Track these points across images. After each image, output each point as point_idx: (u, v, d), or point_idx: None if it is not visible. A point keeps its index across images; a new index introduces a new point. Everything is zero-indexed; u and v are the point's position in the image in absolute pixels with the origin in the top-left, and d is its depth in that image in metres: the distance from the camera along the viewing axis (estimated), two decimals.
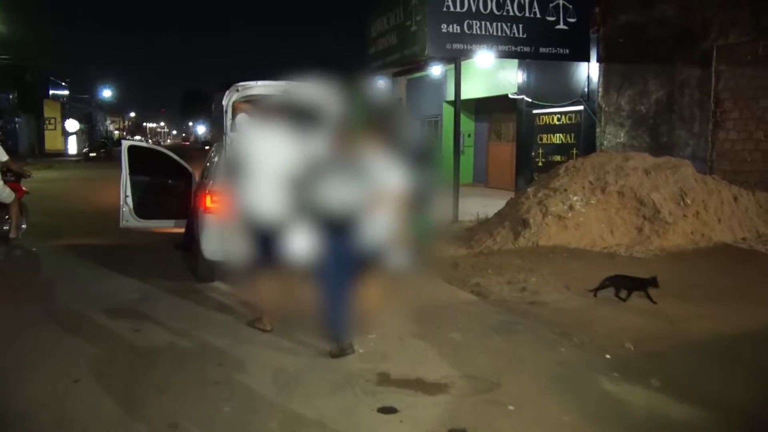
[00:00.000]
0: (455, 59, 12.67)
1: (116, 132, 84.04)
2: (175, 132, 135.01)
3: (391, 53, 13.70)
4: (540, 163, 15.65)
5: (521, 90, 16.01)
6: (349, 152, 4.82)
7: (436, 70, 18.54)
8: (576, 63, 13.94)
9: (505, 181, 19.03)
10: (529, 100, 15.66)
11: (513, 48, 12.45)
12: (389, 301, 5.86)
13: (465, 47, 12.01)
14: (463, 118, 21.55)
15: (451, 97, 19.97)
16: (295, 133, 5.50)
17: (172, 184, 8.62)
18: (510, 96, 16.18)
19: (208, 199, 6.29)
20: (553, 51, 12.80)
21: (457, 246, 9.25)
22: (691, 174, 9.36)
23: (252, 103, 6.36)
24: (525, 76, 15.89)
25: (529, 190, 9.46)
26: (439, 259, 8.71)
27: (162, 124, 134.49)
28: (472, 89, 17.65)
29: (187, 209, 8.45)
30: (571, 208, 8.84)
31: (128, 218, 8.28)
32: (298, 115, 6.15)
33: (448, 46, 11.89)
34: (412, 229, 8.56)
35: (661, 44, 11.77)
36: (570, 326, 5.75)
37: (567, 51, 12.93)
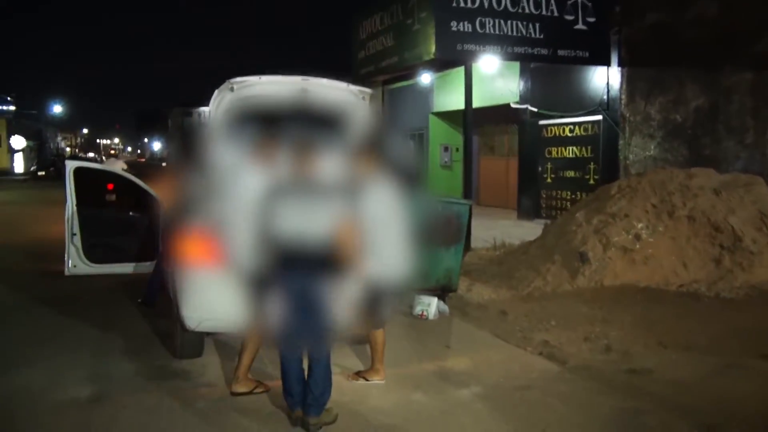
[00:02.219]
0: (465, 63, 10.96)
1: (68, 149, 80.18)
2: (129, 149, 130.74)
3: (387, 57, 11.93)
4: (549, 180, 14.05)
5: (524, 99, 14.42)
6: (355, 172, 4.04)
7: (425, 78, 16.88)
8: (591, 68, 12.43)
9: (500, 198, 17.45)
10: (535, 110, 14.05)
11: (530, 50, 10.88)
12: (441, 371, 4.74)
13: (477, 48, 10.34)
14: (449, 130, 20.21)
15: (439, 108, 18.42)
16: (313, 150, 3.99)
17: (133, 216, 6.65)
18: (512, 106, 14.56)
19: (190, 244, 4.37)
20: (572, 54, 11.28)
21: (494, 286, 7.47)
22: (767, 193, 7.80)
23: (253, 107, 4.47)
24: (528, 83, 14.31)
25: (578, 215, 7.75)
26: (478, 305, 6.94)
27: (116, 140, 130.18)
28: (462, 99, 15.97)
29: (152, 248, 6.50)
30: (637, 237, 7.17)
31: (76, 262, 6.29)
32: (319, 126, 4.38)
33: (459, 47, 10.22)
34: (432, 266, 6.89)
35: (700, 47, 10.28)
36: (711, 411, 4.18)
37: (587, 54, 11.42)
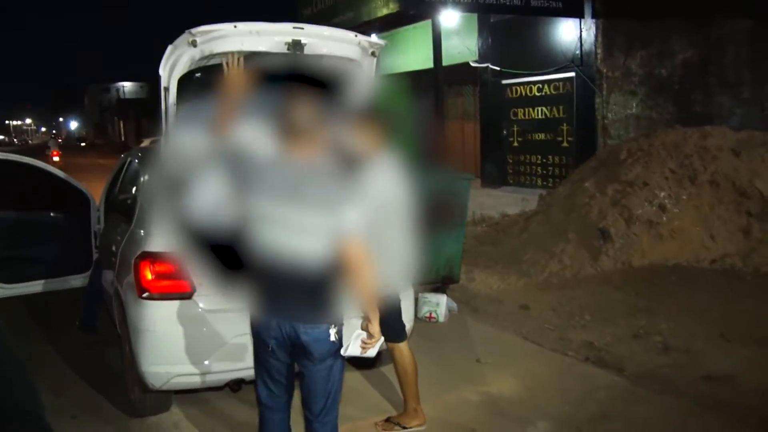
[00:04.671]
0: (430, 16, 9.71)
1: None
2: (44, 129, 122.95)
3: (339, 13, 10.55)
4: (515, 143, 13.09)
5: (484, 57, 13.31)
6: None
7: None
8: (558, 22, 11.41)
9: (457, 165, 16.42)
10: (497, 68, 12.97)
11: (501, 0, 9.70)
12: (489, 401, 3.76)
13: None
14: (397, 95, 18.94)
15: (384, 70, 17.09)
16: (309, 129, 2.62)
17: (56, 218, 5.17)
18: (471, 65, 13.43)
19: (145, 270, 3.05)
20: (545, 4, 10.22)
21: (499, 272, 6.40)
22: None
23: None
24: (488, 40, 13.19)
25: (587, 184, 6.75)
26: (488, 298, 5.87)
27: (29, 121, 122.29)
28: (410, 60, 14.78)
29: (84, 258, 5.09)
30: (662, 209, 6.22)
31: None
32: (317, 95, 3.13)
33: None
34: (432, 254, 5.80)
35: None
36: None
37: (560, 5, 10.37)
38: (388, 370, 4.13)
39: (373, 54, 3.58)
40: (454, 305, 5.53)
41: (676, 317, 5.03)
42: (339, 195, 2.37)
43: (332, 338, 2.44)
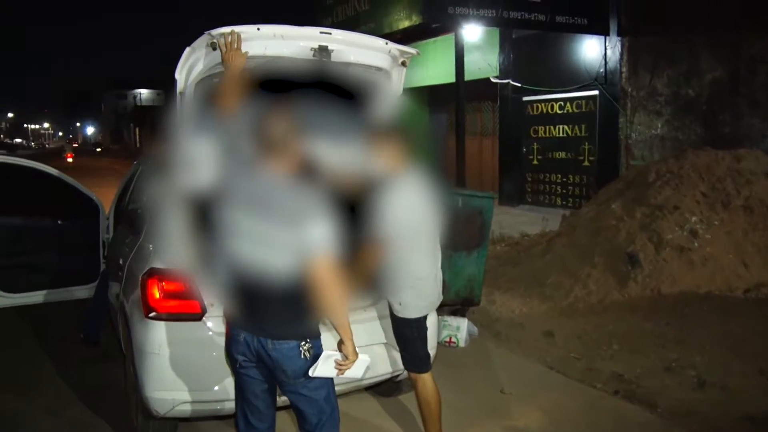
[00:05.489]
0: (453, 29, 9.52)
1: None
2: (61, 133, 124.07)
3: (360, 24, 10.38)
4: (535, 162, 12.83)
5: (505, 73, 13.09)
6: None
7: None
8: (583, 39, 11.18)
9: (473, 182, 16.17)
10: (518, 85, 12.75)
11: (526, 15, 9.52)
12: None
13: (470, 12, 8.92)
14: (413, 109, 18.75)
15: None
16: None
17: (63, 226, 4.98)
18: (492, 80, 13.21)
19: (153, 288, 2.84)
20: (571, 21, 10.00)
21: (521, 295, 6.14)
22: None
23: (247, 74, 2.93)
24: (510, 55, 12.98)
25: (614, 206, 6.48)
26: (510, 322, 5.62)
27: (46, 125, 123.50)
28: (429, 75, 14.56)
29: (91, 267, 4.90)
30: (693, 234, 5.94)
31: None
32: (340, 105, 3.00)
33: (450, 10, 8.75)
34: (451, 275, 5.59)
35: (716, 10, 9.12)
36: None
37: (585, 21, 10.16)
38: (407, 398, 3.89)
39: (403, 64, 3.37)
40: (475, 329, 5.28)
41: (709, 350, 4.74)
42: (306, 211, 2.28)
43: (302, 355, 2.33)
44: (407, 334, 3.14)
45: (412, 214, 2.94)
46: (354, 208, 2.91)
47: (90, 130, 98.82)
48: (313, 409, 2.41)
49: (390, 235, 2.86)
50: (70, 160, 35.54)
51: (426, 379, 3.18)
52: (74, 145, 66.41)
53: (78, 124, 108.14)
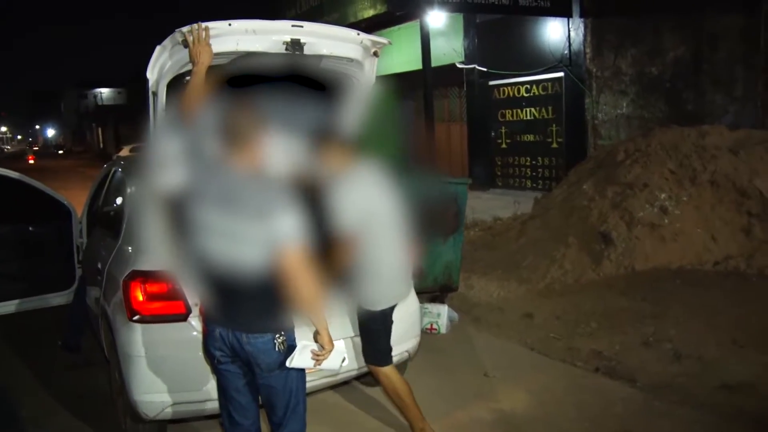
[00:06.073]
0: (418, 16, 9.51)
1: None
2: (20, 137, 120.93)
3: (324, 14, 10.33)
4: (504, 145, 12.95)
5: (471, 58, 13.14)
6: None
7: None
8: (546, 21, 11.29)
9: (444, 167, 16.23)
10: (484, 69, 12.82)
11: (489, 0, 9.54)
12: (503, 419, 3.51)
13: None
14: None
15: None
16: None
17: (33, 232, 4.88)
18: (458, 66, 13.26)
19: (136, 291, 2.81)
20: (534, 4, 10.11)
21: (498, 278, 6.22)
22: None
23: (220, 72, 2.90)
24: (474, 41, 13.03)
25: (585, 186, 6.59)
26: (488, 306, 5.69)
27: (3, 129, 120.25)
28: (395, 62, 14.53)
29: (66, 273, 4.82)
30: (663, 210, 6.07)
31: None
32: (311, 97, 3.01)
33: None
34: (428, 262, 5.65)
35: None
36: None
37: (548, 4, 10.26)
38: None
39: (375, 54, 3.38)
40: (455, 315, 5.34)
41: (684, 323, 4.86)
42: (272, 204, 2.28)
43: (277, 348, 2.35)
44: (371, 326, 3.15)
45: (366, 208, 2.95)
46: (313, 206, 2.91)
47: (51, 132, 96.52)
48: (282, 401, 2.43)
49: (349, 231, 2.87)
50: (31, 161, 37.28)
51: (388, 372, 3.21)
52: (35, 148, 65.83)
53: (38, 127, 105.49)
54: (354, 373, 3.41)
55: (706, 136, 6.84)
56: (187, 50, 2.82)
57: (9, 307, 4.72)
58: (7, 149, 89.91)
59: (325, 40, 3.11)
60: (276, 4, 11.81)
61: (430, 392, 3.84)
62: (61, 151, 63.67)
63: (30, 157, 42.29)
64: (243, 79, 3.08)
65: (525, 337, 4.95)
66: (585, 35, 10.68)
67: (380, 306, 3.12)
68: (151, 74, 2.96)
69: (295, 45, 2.99)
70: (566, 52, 11.01)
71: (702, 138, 6.81)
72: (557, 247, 6.17)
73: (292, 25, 3.03)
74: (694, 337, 4.63)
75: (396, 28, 13.62)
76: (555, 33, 11.20)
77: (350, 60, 3.30)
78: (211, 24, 2.82)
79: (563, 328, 5.00)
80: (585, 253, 6.00)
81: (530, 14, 10.49)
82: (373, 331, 3.16)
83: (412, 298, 3.70)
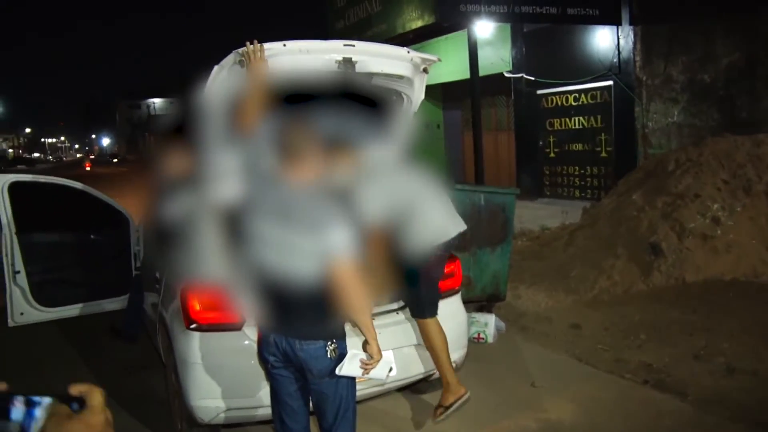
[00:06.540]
0: (466, 26, 9.54)
1: (10, 150, 76.28)
2: (77, 146, 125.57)
3: (372, 26, 10.46)
4: (552, 154, 12.83)
5: (518, 67, 13.07)
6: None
7: None
8: (594, 30, 11.16)
9: (490, 178, 16.16)
10: (531, 78, 12.74)
11: (538, 9, 9.55)
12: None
13: (482, 9, 8.95)
14: (427, 106, 18.79)
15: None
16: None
17: (95, 240, 5.11)
18: (506, 75, 13.21)
19: (193, 300, 2.93)
20: (582, 12, 9.99)
21: (546, 288, 6.19)
22: None
23: (275, 89, 3.01)
24: (522, 49, 12.97)
25: (635, 197, 6.51)
26: (536, 316, 5.67)
27: (62, 138, 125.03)
28: (443, 72, 14.55)
29: (123, 280, 5.02)
30: (715, 221, 5.95)
31: (23, 308, 4.74)
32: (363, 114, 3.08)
33: (462, 8, 8.80)
34: (476, 272, 5.68)
35: None
36: None
37: (597, 12, 10.14)
38: (431, 398, 3.97)
39: (425, 71, 3.45)
40: (502, 325, 5.34)
41: (737, 336, 4.76)
42: (325, 218, 2.37)
43: (329, 355, 2.42)
44: (423, 278, 3.36)
45: (391, 196, 3.08)
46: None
47: (106, 141, 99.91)
48: (332, 407, 2.50)
49: (382, 221, 2.99)
50: (88, 168, 41.48)
51: (430, 324, 3.45)
52: (91, 156, 69.88)
53: (93, 136, 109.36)
54: (402, 382, 3.47)
55: (761, 144, 6.69)
56: (244, 69, 2.94)
57: (72, 311, 4.94)
58: (65, 158, 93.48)
59: (376, 58, 3.20)
60: (325, 17, 12.01)
61: (477, 401, 3.86)
62: (115, 160, 65.89)
63: (87, 165, 46.20)
64: (297, 97, 3.18)
65: (572, 347, 4.92)
66: (634, 43, 10.54)
67: (425, 256, 3.30)
68: (209, 93, 3.09)
69: (347, 63, 3.08)
70: (615, 60, 10.87)
71: (757, 147, 6.65)
72: (606, 258, 6.12)
73: (344, 44, 3.12)
74: (748, 351, 4.53)
75: (443, 37, 13.68)
76: (603, 41, 11.07)
77: (400, 77, 3.37)
78: (266, 45, 2.93)
79: (611, 340, 4.96)
80: (634, 264, 5.92)
81: (578, 23, 10.40)
82: (427, 280, 3.35)
83: (460, 309, 3.77)
